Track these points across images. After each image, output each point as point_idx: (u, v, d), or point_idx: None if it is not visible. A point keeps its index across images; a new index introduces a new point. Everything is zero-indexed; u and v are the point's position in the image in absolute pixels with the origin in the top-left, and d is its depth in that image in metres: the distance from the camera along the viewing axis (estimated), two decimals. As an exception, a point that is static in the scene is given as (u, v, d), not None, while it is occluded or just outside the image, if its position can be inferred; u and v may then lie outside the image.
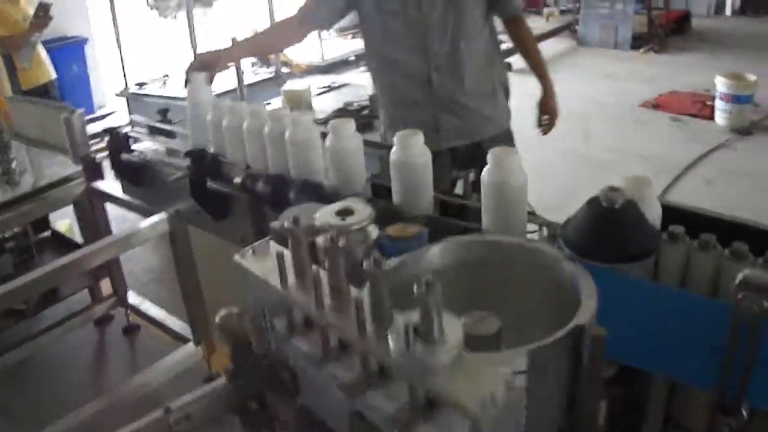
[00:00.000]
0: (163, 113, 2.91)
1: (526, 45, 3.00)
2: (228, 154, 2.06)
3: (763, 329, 1.01)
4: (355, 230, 1.26)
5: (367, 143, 3.49)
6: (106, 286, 3.75)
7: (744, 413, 1.06)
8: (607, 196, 1.18)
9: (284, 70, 5.66)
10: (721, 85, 6.86)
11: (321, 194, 1.72)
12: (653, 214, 1.28)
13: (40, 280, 2.53)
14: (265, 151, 1.88)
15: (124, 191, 2.71)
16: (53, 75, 5.66)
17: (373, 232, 1.31)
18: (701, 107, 7.26)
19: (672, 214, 1.29)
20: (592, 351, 0.94)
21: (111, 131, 2.66)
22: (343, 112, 3.92)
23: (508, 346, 1.01)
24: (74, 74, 7.78)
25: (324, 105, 4.23)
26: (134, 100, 5.78)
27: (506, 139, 2.82)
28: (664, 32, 9.76)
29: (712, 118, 7.00)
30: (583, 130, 6.87)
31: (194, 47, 4.86)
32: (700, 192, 5.50)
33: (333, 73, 5.78)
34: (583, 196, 1.26)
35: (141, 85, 5.80)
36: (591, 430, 0.99)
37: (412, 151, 1.57)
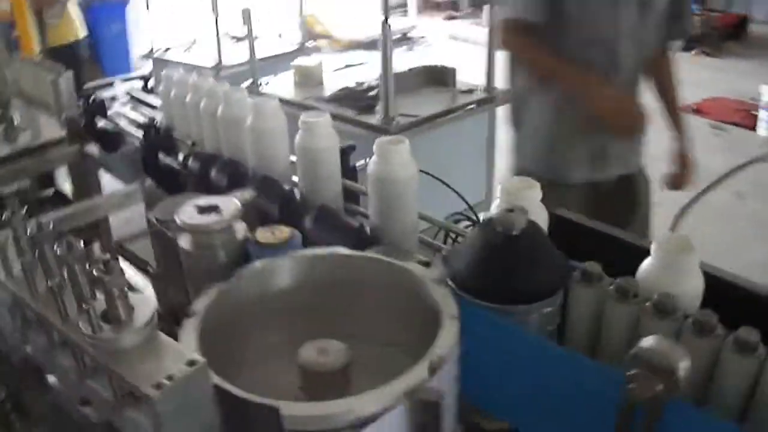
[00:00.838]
0: (145, 81, 2.84)
1: (667, 81, 2.64)
2: (177, 128, 1.98)
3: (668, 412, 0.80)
4: (217, 230, 1.16)
5: (366, 126, 3.46)
6: None
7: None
8: (502, 219, 0.97)
9: (310, 43, 5.56)
10: (766, 94, 6.59)
11: (240, 176, 1.62)
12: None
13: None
14: (207, 127, 1.80)
15: (98, 157, 2.65)
16: (82, 34, 5.65)
17: (240, 231, 1.20)
18: (744, 116, 6.98)
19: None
20: (423, 419, 0.82)
21: (87, 95, 2.60)
22: (346, 92, 3.82)
23: (366, 376, 0.90)
24: (113, 34, 7.80)
25: (338, 83, 4.10)
26: (159, 64, 5.75)
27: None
28: (719, 36, 9.40)
29: (754, 128, 6.75)
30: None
31: (216, 14, 4.81)
32: (729, 205, 5.28)
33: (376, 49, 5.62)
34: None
35: (167, 49, 5.74)
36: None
37: (317, 135, 1.45)
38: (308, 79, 4.08)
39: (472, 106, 3.72)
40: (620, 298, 0.95)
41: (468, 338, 0.88)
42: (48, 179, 4.05)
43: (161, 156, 2.03)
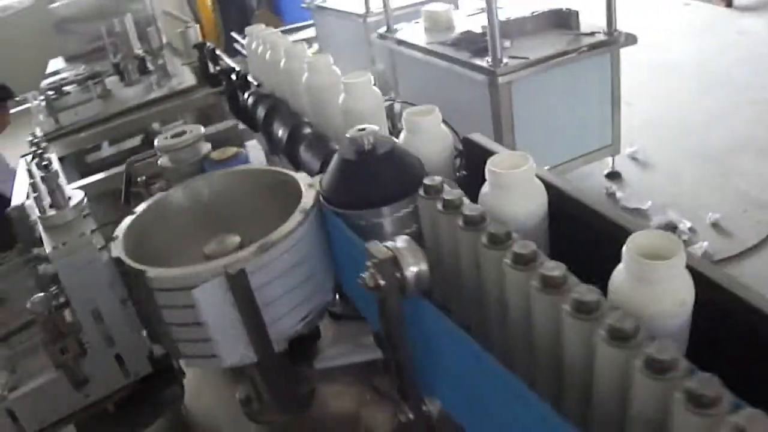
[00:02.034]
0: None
1: None
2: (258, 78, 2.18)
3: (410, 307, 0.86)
4: (183, 147, 1.37)
5: (475, 68, 3.53)
6: None
7: None
8: (354, 138, 1.06)
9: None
10: None
11: (296, 126, 1.68)
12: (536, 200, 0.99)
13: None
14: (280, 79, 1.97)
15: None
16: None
17: (203, 148, 1.41)
18: None
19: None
20: (233, 286, 1.01)
21: (200, 45, 2.92)
22: (467, 35, 3.88)
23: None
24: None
25: (466, 27, 4.15)
26: (318, 12, 6.02)
27: None
28: None
29: None
30: None
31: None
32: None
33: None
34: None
35: (326, -3, 5.95)
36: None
37: (357, 96, 1.51)
38: (437, 24, 4.19)
39: (584, 48, 3.64)
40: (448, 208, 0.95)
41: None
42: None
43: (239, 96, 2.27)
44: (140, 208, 1.25)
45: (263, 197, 1.25)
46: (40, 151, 1.72)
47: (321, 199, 1.11)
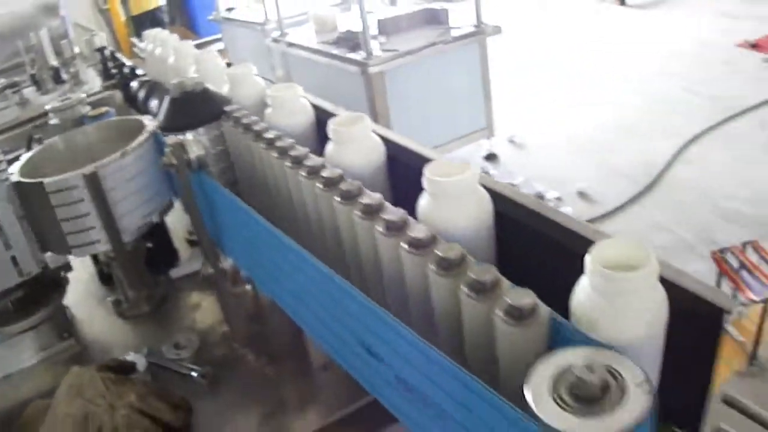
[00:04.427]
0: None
1: None
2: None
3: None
4: (66, 108, 1.77)
5: (351, 61, 3.97)
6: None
7: None
8: (178, 83, 1.44)
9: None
10: None
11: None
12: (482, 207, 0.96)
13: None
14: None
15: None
16: (161, 1, 6.42)
17: (84, 110, 1.81)
18: None
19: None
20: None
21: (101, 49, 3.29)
22: (346, 34, 4.30)
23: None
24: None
25: (351, 26, 4.55)
26: (225, 25, 6.40)
27: None
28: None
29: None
30: (664, 67, 6.79)
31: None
32: (747, 134, 5.37)
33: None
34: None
35: (230, 9, 6.34)
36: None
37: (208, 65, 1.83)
38: (324, 26, 4.62)
39: (451, 39, 4.12)
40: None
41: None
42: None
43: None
44: (34, 151, 1.62)
45: (123, 138, 1.62)
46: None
47: (157, 128, 1.51)
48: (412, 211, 0.94)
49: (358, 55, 3.95)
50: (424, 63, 4.07)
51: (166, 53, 2.22)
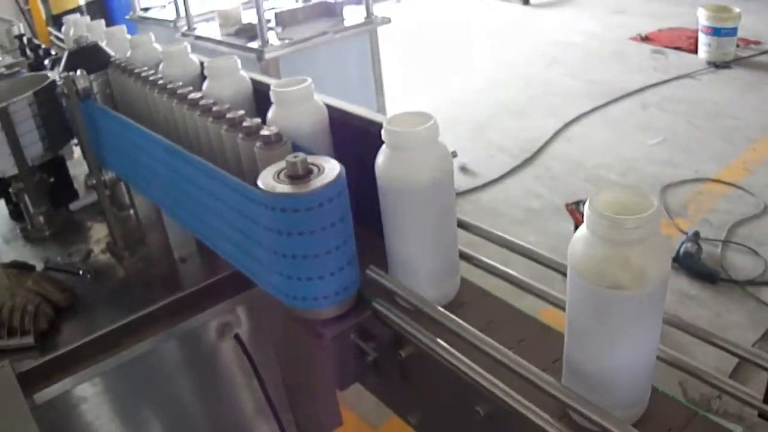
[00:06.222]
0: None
1: None
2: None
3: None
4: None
5: (249, 50, 4.37)
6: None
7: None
8: (76, 39, 1.84)
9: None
10: (702, 17, 6.96)
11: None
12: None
13: None
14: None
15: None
16: (82, 1, 6.68)
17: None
18: (692, 42, 7.36)
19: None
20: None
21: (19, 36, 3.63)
22: (246, 26, 4.69)
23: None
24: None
25: (251, 19, 4.91)
26: (141, 24, 6.68)
27: None
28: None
29: (696, 52, 7.18)
30: (556, 58, 7.41)
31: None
32: (628, 114, 5.99)
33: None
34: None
35: (146, 9, 6.63)
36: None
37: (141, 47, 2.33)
38: (228, 20, 4.99)
39: (343, 29, 4.56)
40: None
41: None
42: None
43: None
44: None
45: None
46: None
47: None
48: (350, 170, 1.14)
49: (255, 44, 4.36)
50: (317, 51, 4.47)
51: (98, 37, 2.58)
